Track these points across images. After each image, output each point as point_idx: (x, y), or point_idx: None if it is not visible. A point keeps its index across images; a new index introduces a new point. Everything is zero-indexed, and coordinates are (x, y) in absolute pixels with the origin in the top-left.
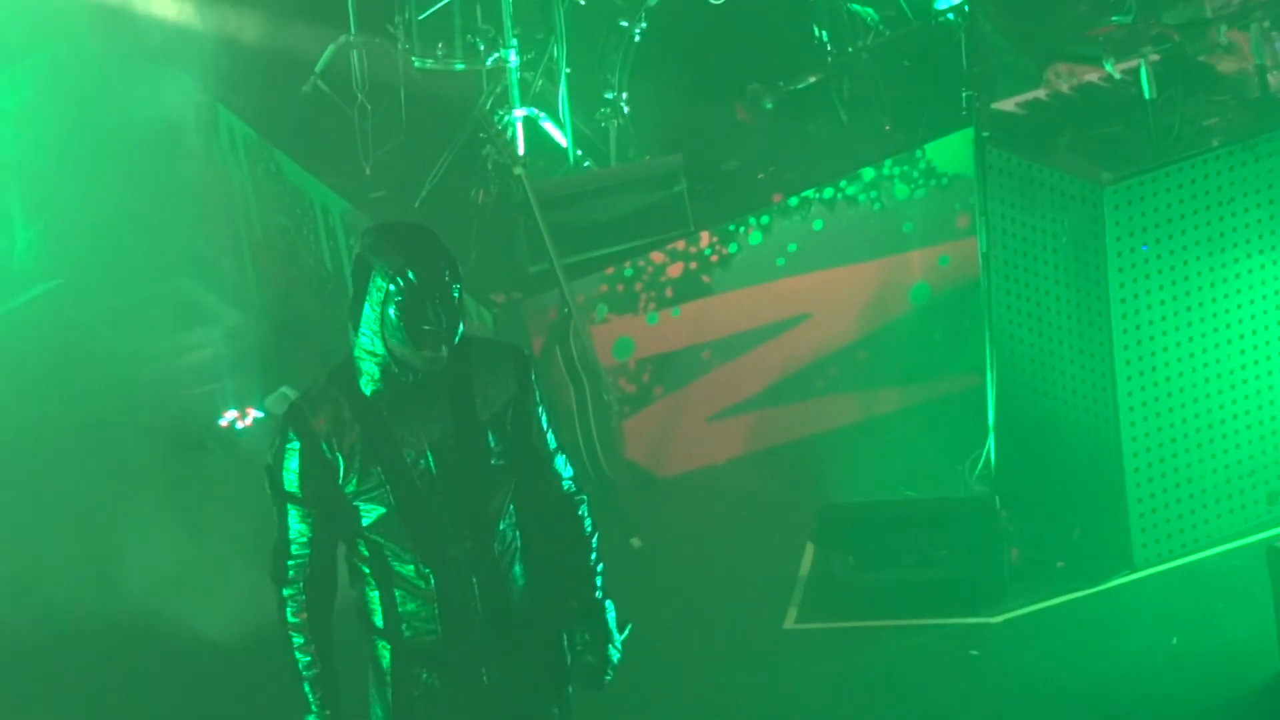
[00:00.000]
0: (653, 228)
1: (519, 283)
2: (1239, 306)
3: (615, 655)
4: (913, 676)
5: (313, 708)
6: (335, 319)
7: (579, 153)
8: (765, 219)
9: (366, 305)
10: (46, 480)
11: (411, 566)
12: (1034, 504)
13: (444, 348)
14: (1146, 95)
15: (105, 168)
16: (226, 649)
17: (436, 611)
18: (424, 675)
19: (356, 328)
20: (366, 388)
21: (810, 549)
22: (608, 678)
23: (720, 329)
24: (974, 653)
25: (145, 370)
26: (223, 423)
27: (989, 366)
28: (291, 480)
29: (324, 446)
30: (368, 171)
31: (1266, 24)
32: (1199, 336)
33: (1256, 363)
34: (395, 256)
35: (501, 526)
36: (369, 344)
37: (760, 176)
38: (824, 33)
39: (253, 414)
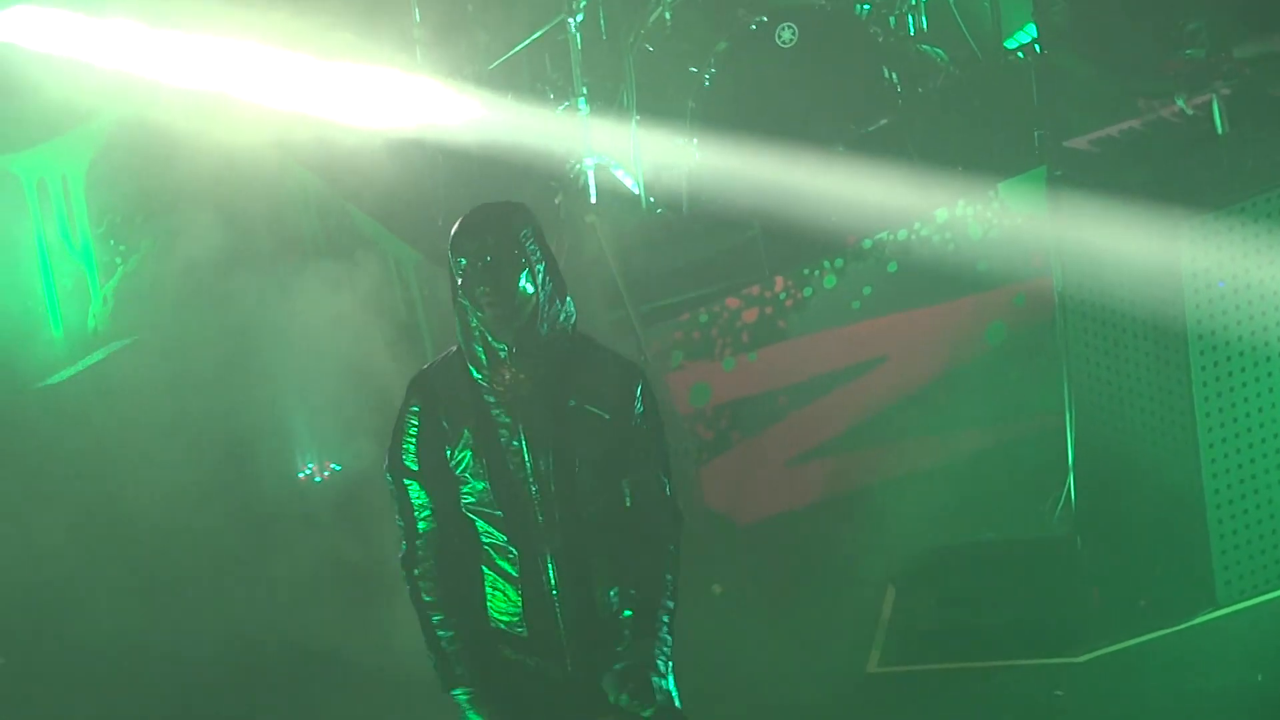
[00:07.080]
0: (727, 273)
1: (594, 331)
2: None
3: (657, 692)
4: (998, 718)
5: (463, 680)
6: (410, 367)
7: (651, 199)
8: (839, 262)
9: (457, 293)
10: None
11: (503, 551)
12: (1116, 542)
13: (513, 323)
14: (1219, 130)
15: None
16: None
17: (521, 603)
18: (509, 653)
19: (460, 316)
20: (472, 368)
21: (891, 592)
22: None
23: (797, 373)
24: (1059, 693)
25: (215, 430)
26: (301, 477)
27: (1067, 405)
28: (410, 451)
29: (440, 413)
30: (440, 222)
31: None
32: (1279, 370)
33: None
34: (452, 241)
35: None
36: (470, 324)
37: (834, 219)
38: (894, 74)
39: (330, 467)
